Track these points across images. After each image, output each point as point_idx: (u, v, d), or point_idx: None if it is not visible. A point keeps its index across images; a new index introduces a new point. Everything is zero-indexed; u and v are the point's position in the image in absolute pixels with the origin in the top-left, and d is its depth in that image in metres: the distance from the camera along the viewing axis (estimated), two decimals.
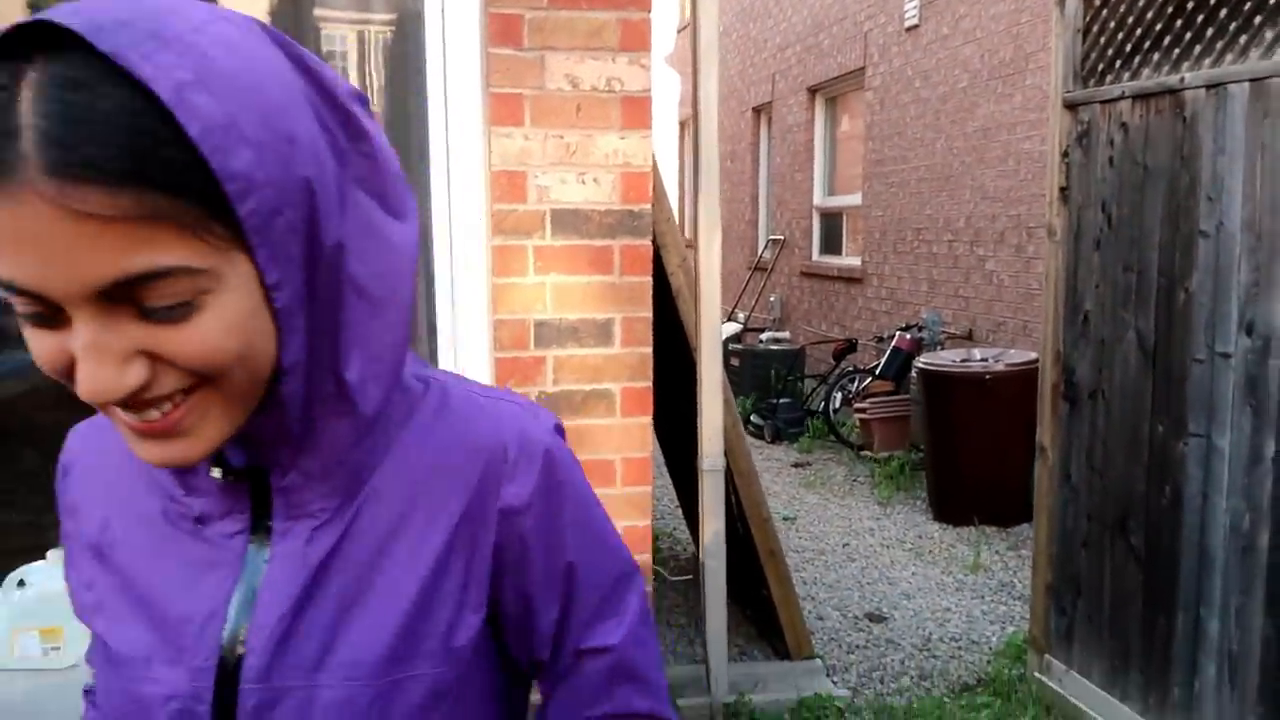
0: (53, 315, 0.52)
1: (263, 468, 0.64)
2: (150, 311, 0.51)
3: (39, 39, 0.48)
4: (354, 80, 2.60)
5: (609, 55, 2.43)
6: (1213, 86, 2.54)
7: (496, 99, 2.39)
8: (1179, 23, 2.68)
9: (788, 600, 3.51)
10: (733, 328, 8.94)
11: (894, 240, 7.66)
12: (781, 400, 7.46)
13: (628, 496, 2.56)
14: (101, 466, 0.72)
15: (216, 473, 0.63)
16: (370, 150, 0.59)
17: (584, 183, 2.45)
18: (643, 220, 2.50)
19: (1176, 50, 2.70)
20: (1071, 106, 3.09)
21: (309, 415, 0.61)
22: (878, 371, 6.82)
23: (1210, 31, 2.58)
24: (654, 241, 2.66)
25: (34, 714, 2.26)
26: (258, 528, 0.65)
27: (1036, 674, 3.27)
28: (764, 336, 8.68)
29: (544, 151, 2.43)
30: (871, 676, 3.57)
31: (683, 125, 12.99)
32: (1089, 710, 2.98)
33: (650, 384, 2.57)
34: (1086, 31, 3.04)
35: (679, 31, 13.00)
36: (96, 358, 0.51)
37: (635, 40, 2.44)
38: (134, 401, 0.54)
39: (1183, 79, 2.63)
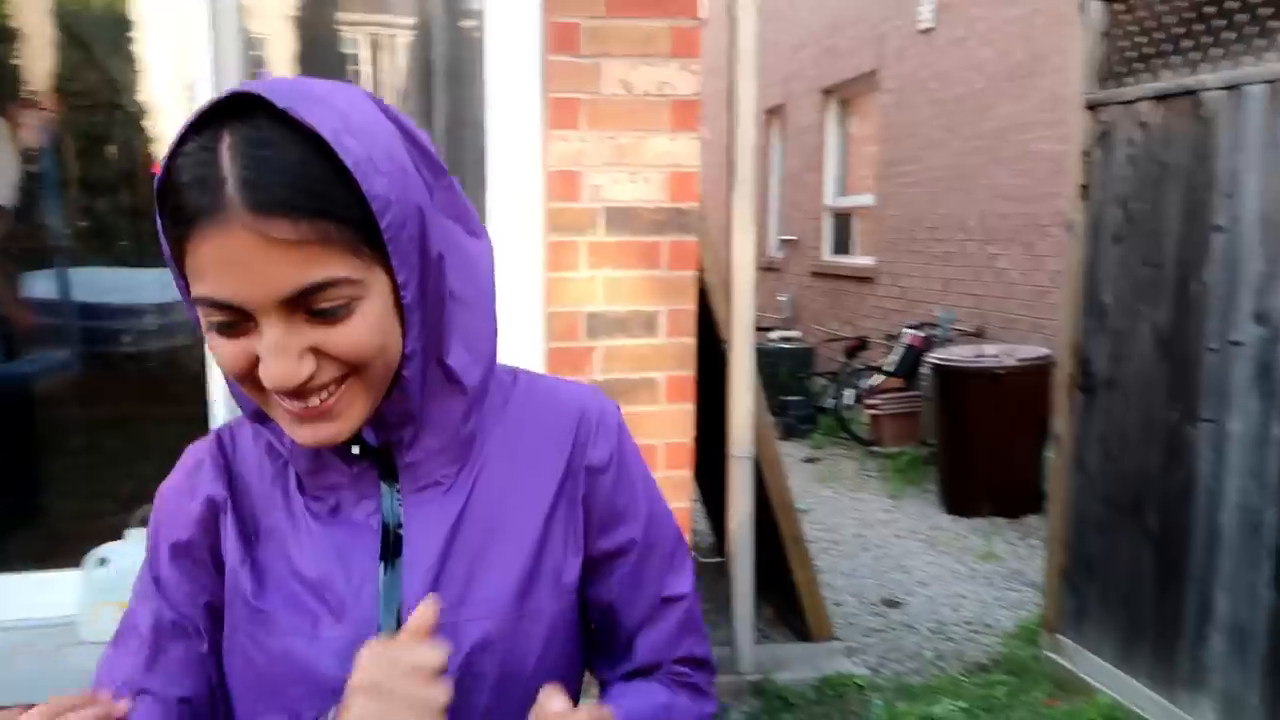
0: (238, 324, 0.67)
1: (389, 450, 0.78)
2: (318, 314, 0.67)
3: (225, 109, 0.65)
4: (410, 85, 2.75)
5: (661, 61, 2.58)
6: (1231, 88, 2.68)
7: (555, 103, 2.54)
8: (1198, 27, 2.82)
9: (810, 584, 3.66)
10: None
11: (907, 239, 7.80)
12: (792, 397, 7.61)
13: (669, 479, 2.70)
14: (245, 465, 0.83)
15: (355, 449, 0.77)
16: (449, 184, 0.76)
17: (635, 182, 2.60)
18: (689, 218, 2.65)
19: (1195, 53, 2.84)
20: (1093, 107, 3.23)
21: (425, 397, 0.76)
22: (889, 369, 6.97)
23: (1228, 36, 2.73)
24: None
25: None
26: (387, 503, 0.78)
27: (1049, 653, 3.41)
28: (773, 335, 8.83)
29: (598, 152, 2.58)
30: (889, 657, 3.72)
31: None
32: (1100, 685, 3.13)
33: (693, 373, 2.72)
34: (1107, 35, 3.19)
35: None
36: (281, 354, 0.66)
37: (686, 47, 2.59)
38: (301, 390, 0.68)
39: (1201, 80, 2.78)
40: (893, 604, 4.24)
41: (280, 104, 0.64)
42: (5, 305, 2.84)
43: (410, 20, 2.74)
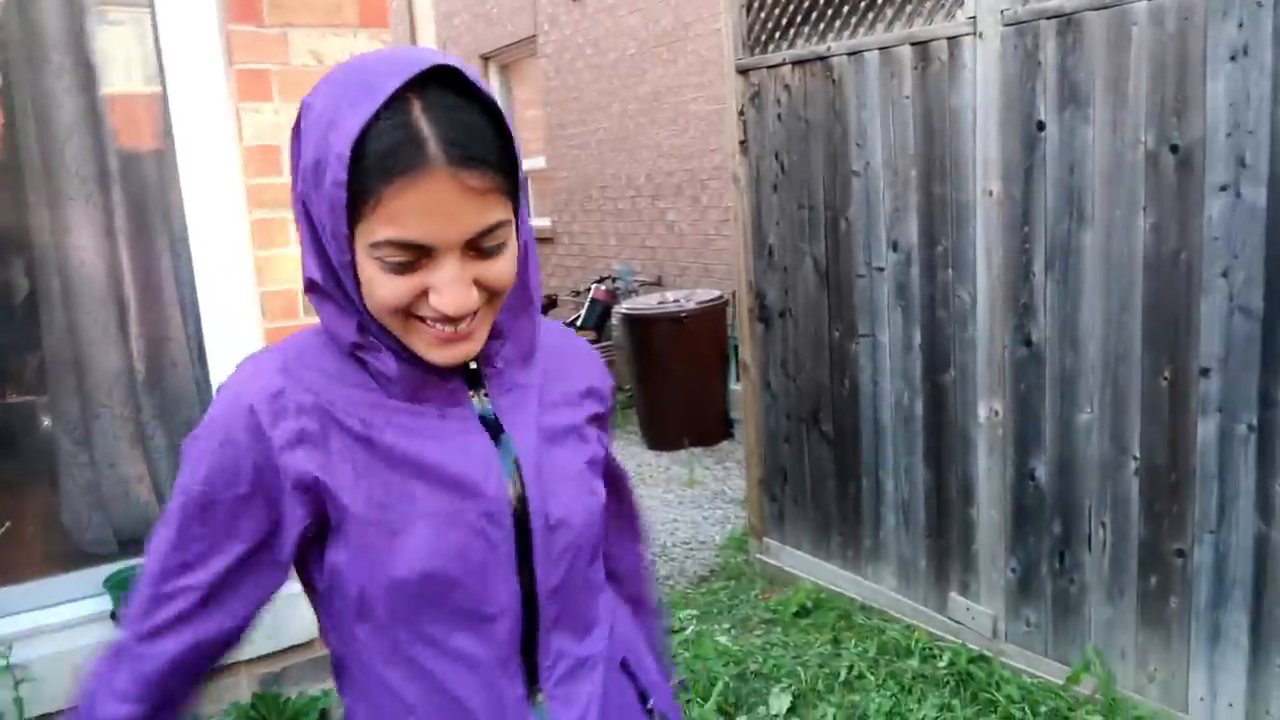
0: (415, 263, 0.79)
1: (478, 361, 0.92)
2: (484, 250, 0.81)
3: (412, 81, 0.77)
4: (69, 61, 2.50)
5: (350, 31, 2.55)
6: (853, 54, 3.15)
7: (243, 75, 2.44)
8: (823, 2, 3.27)
9: None
10: None
11: (581, 200, 8.15)
12: None
13: None
14: (324, 386, 0.87)
15: (474, 364, 0.92)
16: None
17: None
18: None
19: (823, 24, 3.29)
20: (743, 71, 3.63)
21: (508, 322, 0.92)
22: (579, 323, 7.31)
23: (846, 9, 3.19)
24: None
25: None
26: (478, 405, 0.93)
27: (758, 555, 3.87)
28: None
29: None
30: None
31: None
32: (803, 574, 3.62)
33: None
34: (749, 7, 3.58)
35: None
36: (459, 285, 0.80)
37: (373, 16, 2.58)
38: (456, 321, 0.82)
39: (829, 48, 3.23)
40: None
41: (471, 77, 0.79)
42: None
43: None
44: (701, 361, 5.74)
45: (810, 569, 3.59)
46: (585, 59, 7.79)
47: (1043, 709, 2.58)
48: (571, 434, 0.99)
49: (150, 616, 0.87)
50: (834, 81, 3.24)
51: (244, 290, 2.55)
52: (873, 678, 2.82)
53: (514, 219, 0.83)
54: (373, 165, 0.75)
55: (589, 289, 7.36)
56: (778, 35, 3.49)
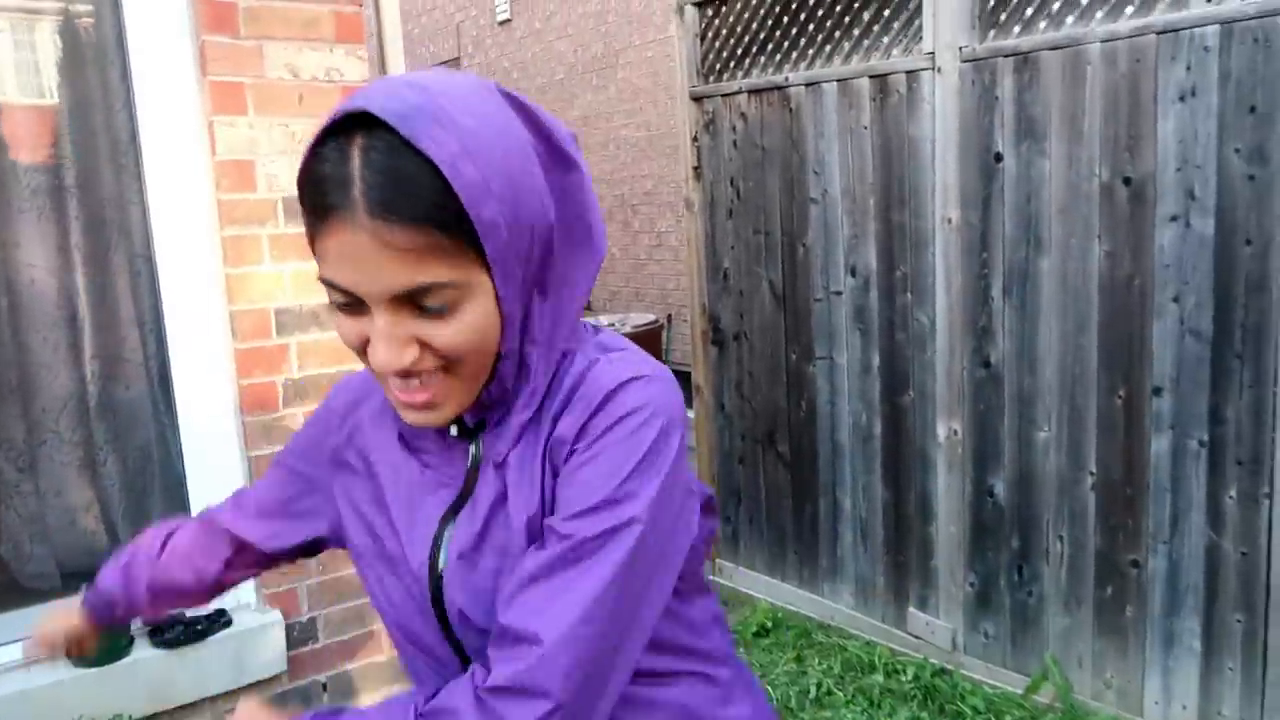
0: (355, 306, 0.74)
1: (481, 425, 0.85)
2: (425, 309, 0.73)
3: (358, 118, 0.70)
4: (39, 76, 2.39)
5: (326, 46, 2.51)
6: (810, 85, 3.25)
7: (216, 87, 2.37)
8: (779, 34, 3.36)
9: None
10: None
11: None
12: None
13: None
14: (373, 409, 0.97)
15: (454, 430, 0.86)
16: (579, 179, 0.80)
17: None
18: None
19: (779, 55, 3.39)
20: (697, 99, 3.70)
21: (504, 390, 0.82)
22: None
23: (803, 42, 3.29)
24: None
25: None
26: (470, 469, 0.86)
27: (713, 577, 3.90)
28: None
29: (270, 140, 2.45)
30: None
31: None
32: (760, 595, 3.66)
33: None
34: (704, 36, 3.66)
35: None
36: (387, 341, 0.73)
37: (349, 32, 2.54)
38: (405, 374, 0.76)
39: (787, 78, 3.33)
40: None
41: (403, 131, 0.69)
42: None
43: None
44: None
45: (767, 589, 3.63)
46: (512, 83, 7.79)
47: (1007, 718, 2.67)
48: (519, 521, 0.83)
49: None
50: (791, 110, 3.33)
51: (213, 309, 2.46)
52: (841, 694, 2.88)
53: (479, 276, 0.74)
54: (314, 197, 0.72)
55: None
56: (732, 64, 3.58)
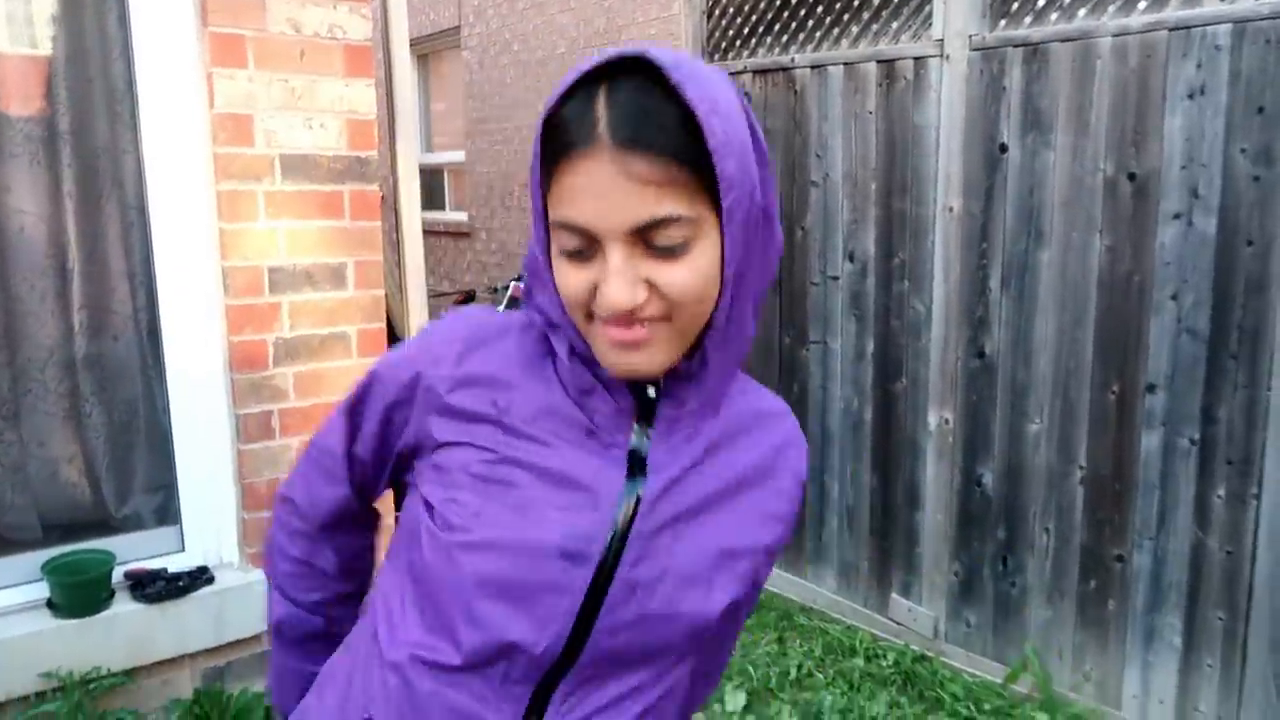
0: (586, 252, 0.75)
1: (654, 397, 0.85)
2: (657, 249, 0.75)
3: (613, 68, 0.74)
4: (35, 23, 2.33)
5: (330, 2, 2.47)
6: (816, 67, 3.22)
7: (217, 39, 2.33)
8: (786, 14, 3.33)
9: None
10: None
11: (500, 195, 8.06)
12: None
13: None
14: (504, 366, 0.87)
15: (651, 391, 0.85)
16: (769, 177, 0.82)
17: (311, 129, 2.48)
18: (370, 166, 2.59)
19: (785, 36, 3.36)
20: None
21: (701, 367, 0.83)
22: None
23: (811, 23, 3.26)
24: None
25: None
26: (636, 440, 0.85)
27: None
28: None
29: (269, 95, 2.41)
30: None
31: None
32: None
33: (384, 325, 2.68)
34: (710, 14, 3.62)
35: None
36: (621, 278, 0.74)
37: None
38: (628, 317, 0.76)
39: (793, 59, 3.30)
40: None
41: (673, 77, 0.72)
42: None
43: None
44: None
45: None
46: (511, 54, 7.72)
47: (986, 706, 2.69)
48: (715, 537, 0.86)
49: None
50: (796, 92, 3.31)
51: (205, 264, 2.43)
52: (822, 676, 2.88)
53: (709, 226, 0.76)
54: (553, 143, 0.75)
55: (507, 285, 7.27)
56: (738, 43, 3.54)
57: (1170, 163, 2.40)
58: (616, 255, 0.74)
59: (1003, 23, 2.73)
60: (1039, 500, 2.74)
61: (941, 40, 2.84)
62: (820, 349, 3.32)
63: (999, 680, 2.80)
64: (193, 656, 2.44)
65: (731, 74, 3.53)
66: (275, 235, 2.46)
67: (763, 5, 3.41)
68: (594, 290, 0.76)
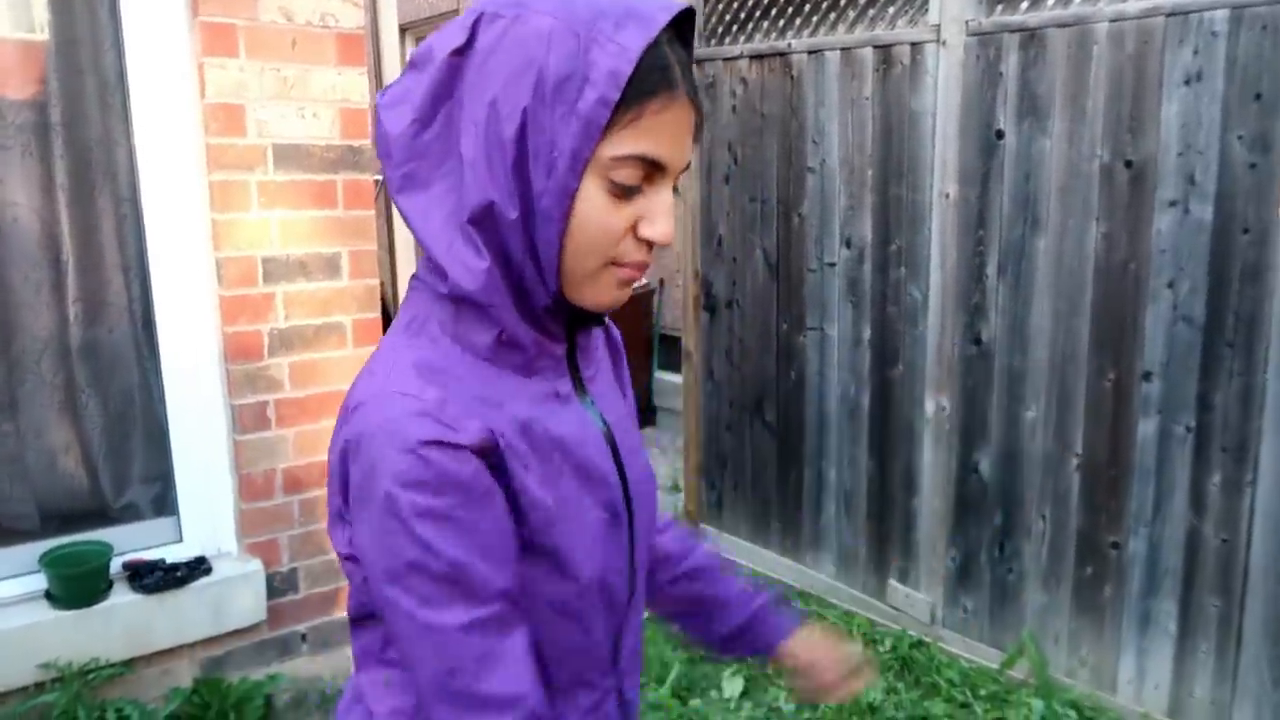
0: (638, 188, 0.78)
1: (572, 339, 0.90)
2: (675, 189, 0.82)
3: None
4: (29, 11, 2.32)
5: None
6: (813, 52, 3.20)
7: (207, 28, 2.31)
8: (783, 0, 3.31)
9: None
10: None
11: None
12: None
13: None
14: (479, 397, 0.79)
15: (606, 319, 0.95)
16: None
17: (304, 118, 2.47)
18: (363, 155, 2.58)
19: (783, 21, 3.34)
20: (698, 62, 3.64)
21: None
22: None
23: (808, 8, 3.24)
24: None
25: None
26: (578, 385, 0.91)
27: None
28: None
29: (261, 85, 2.40)
30: None
31: None
32: (742, 561, 3.67)
33: (379, 314, 2.68)
34: None
35: None
36: (669, 214, 0.80)
37: None
38: (649, 255, 0.82)
39: (790, 44, 3.28)
40: None
41: (695, 28, 0.81)
42: None
43: None
44: (627, 349, 5.74)
45: (748, 555, 3.65)
46: None
47: (982, 692, 2.70)
48: (625, 405, 0.99)
49: None
50: (793, 78, 3.29)
51: (198, 255, 2.43)
52: None
53: None
54: (644, 79, 0.75)
55: None
56: (735, 28, 3.52)
57: (1167, 149, 2.39)
58: (668, 193, 0.80)
59: (999, 8, 2.71)
60: (1035, 486, 2.74)
61: (938, 26, 2.82)
62: (817, 335, 3.31)
63: (995, 666, 2.82)
64: (191, 646, 2.45)
65: (727, 59, 3.51)
66: (268, 225, 2.45)
67: None
68: (629, 230, 0.79)
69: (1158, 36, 2.37)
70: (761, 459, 3.59)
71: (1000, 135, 2.71)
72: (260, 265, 2.45)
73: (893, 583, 3.15)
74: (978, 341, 2.83)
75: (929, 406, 2.98)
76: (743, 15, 3.48)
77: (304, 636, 2.66)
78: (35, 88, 2.38)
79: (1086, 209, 2.55)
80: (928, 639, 3.02)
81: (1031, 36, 2.62)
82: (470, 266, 0.77)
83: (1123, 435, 2.54)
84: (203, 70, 2.33)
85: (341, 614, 2.71)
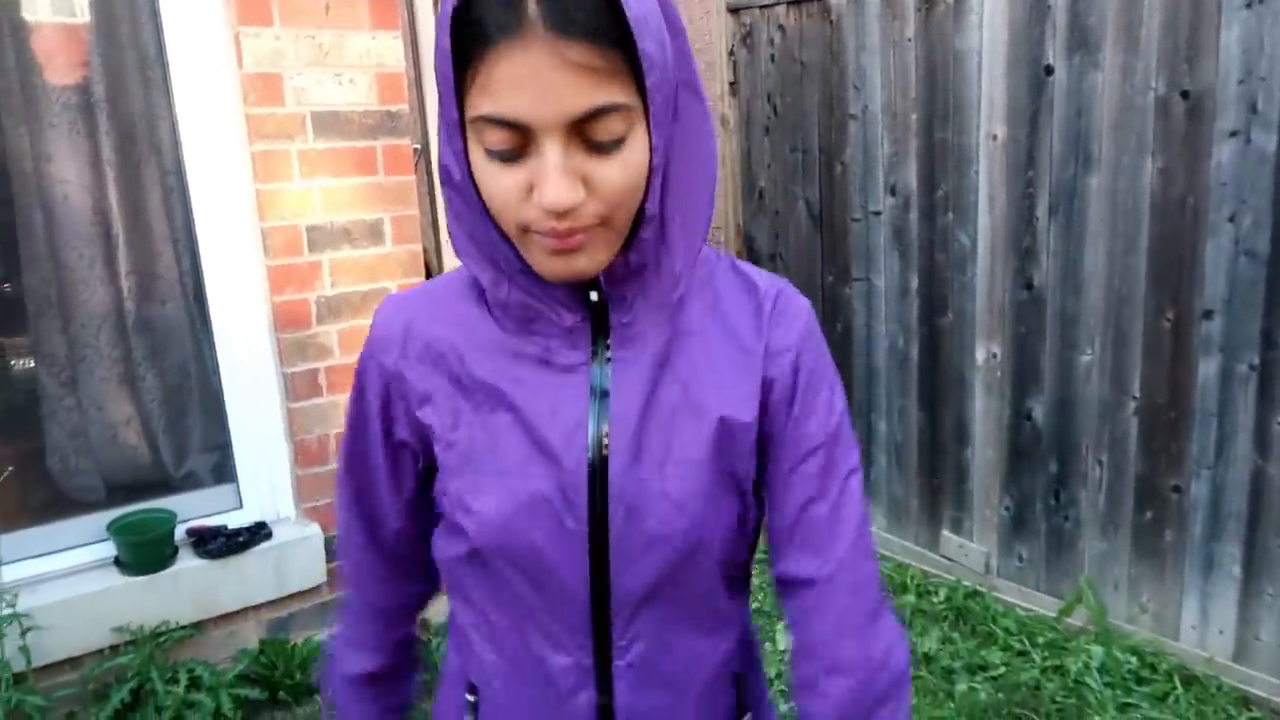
0: (517, 150, 0.69)
1: (603, 309, 0.81)
2: (593, 144, 0.69)
3: None
4: None
5: None
6: None
7: None
8: None
9: None
10: None
11: None
12: None
13: None
14: (438, 319, 0.85)
15: (594, 295, 0.79)
16: (685, 46, 0.77)
17: (341, 84, 2.47)
18: (401, 120, 2.58)
19: None
20: (734, 11, 3.57)
21: (645, 261, 0.79)
22: None
23: None
24: None
25: None
26: (597, 357, 0.82)
27: None
28: None
29: (297, 52, 2.40)
30: None
31: None
32: None
33: (424, 279, 2.69)
34: None
35: None
36: (560, 174, 0.68)
37: None
38: (565, 217, 0.70)
39: None
40: None
41: None
42: None
43: None
44: None
45: None
46: None
47: (1040, 640, 2.67)
48: (711, 417, 0.82)
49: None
50: (832, 23, 3.21)
51: (244, 226, 2.45)
52: None
53: (638, 115, 0.71)
54: (473, 30, 0.68)
55: None
56: None
57: (1226, 78, 2.29)
58: (554, 150, 0.68)
59: None
60: (1091, 432, 2.68)
61: None
62: (864, 286, 3.26)
63: (1052, 614, 2.78)
64: (256, 609, 2.51)
65: (764, 7, 3.44)
66: (311, 194, 2.47)
67: None
68: (527, 193, 0.71)
69: None
70: None
71: (1049, 71, 2.63)
72: (305, 234, 2.47)
73: (946, 533, 3.12)
74: (1029, 286, 2.77)
75: (979, 354, 2.93)
76: None
77: None
78: (79, 68, 2.41)
79: (1141, 144, 2.47)
80: (983, 589, 2.99)
81: None
82: (450, 226, 0.79)
83: (1182, 376, 2.47)
84: (239, 40, 2.34)
85: None
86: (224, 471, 2.62)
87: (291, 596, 2.57)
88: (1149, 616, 2.63)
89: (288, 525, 2.60)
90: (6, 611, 2.09)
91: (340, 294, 2.54)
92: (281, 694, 2.44)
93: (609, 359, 0.82)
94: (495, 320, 0.83)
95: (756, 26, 3.50)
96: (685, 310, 0.84)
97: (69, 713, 2.23)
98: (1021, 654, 2.66)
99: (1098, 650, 2.56)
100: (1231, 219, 2.33)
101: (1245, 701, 2.40)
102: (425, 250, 2.84)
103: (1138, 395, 2.57)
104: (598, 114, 0.68)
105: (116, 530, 2.37)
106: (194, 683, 2.30)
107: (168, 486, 2.59)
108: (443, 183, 0.79)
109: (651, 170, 0.74)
